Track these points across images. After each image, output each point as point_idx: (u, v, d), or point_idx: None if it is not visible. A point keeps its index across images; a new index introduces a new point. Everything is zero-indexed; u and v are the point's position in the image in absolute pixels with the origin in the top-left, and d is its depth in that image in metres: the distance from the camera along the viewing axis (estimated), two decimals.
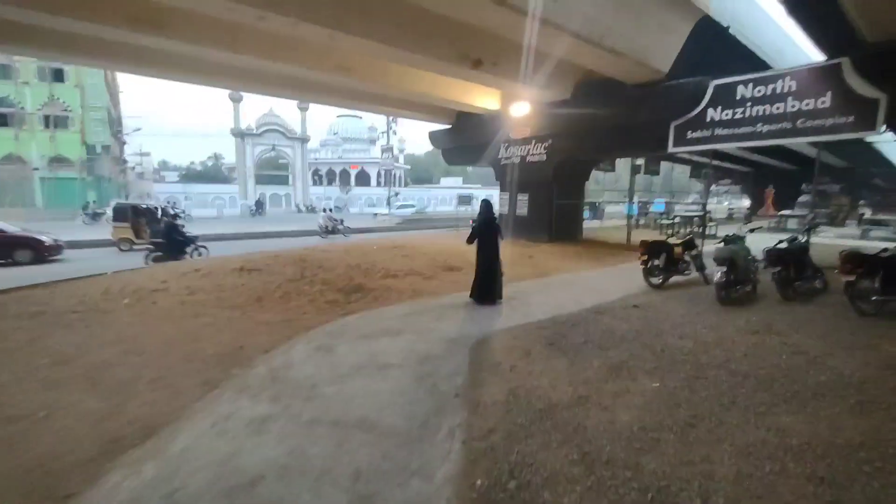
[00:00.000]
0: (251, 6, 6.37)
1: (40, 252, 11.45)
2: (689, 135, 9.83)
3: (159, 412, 3.07)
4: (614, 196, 32.04)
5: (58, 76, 26.49)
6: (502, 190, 15.27)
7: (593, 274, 8.49)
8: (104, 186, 28.50)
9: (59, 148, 26.75)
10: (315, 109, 38.90)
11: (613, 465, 2.42)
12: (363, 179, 49.16)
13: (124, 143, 37.12)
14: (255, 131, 36.94)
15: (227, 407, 3.11)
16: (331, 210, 22.30)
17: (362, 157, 50.17)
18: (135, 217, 14.05)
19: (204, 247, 11.79)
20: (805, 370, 3.63)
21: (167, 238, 11.15)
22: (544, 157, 13.14)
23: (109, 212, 16.43)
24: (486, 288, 6.08)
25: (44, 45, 8.46)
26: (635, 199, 28.53)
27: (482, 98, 12.72)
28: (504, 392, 3.33)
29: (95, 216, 22.88)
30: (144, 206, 14.80)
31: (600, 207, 27.00)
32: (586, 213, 26.39)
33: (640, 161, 16.34)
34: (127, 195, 32.01)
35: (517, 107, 12.18)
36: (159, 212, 14.44)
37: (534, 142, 13.41)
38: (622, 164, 21.89)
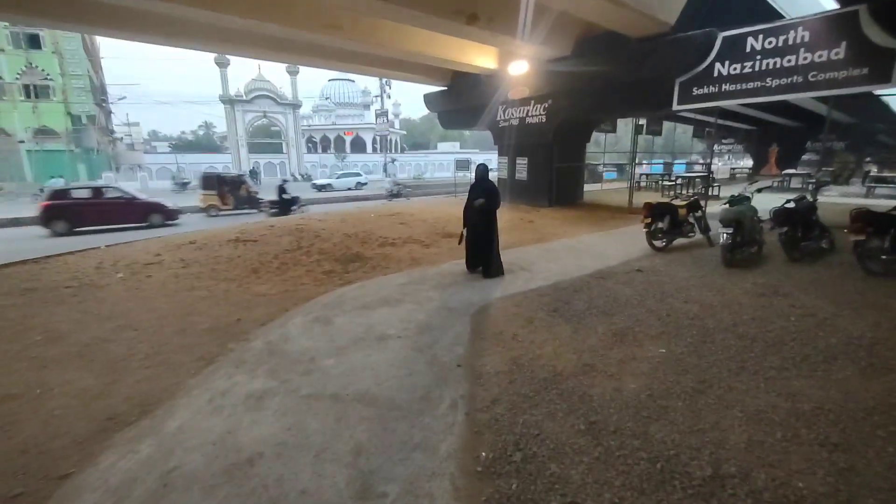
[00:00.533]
0: None
1: (167, 216, 13.25)
2: (695, 91, 9.43)
3: (155, 389, 3.00)
4: (614, 158, 31.50)
5: (33, 42, 25.25)
6: (500, 154, 14.89)
7: (595, 238, 8.35)
8: (93, 158, 27.82)
9: (43, 119, 25.86)
10: (305, 73, 37.51)
11: (621, 434, 2.36)
12: (359, 146, 48.11)
13: (110, 112, 35.96)
14: (244, 97, 35.74)
15: (224, 382, 3.03)
16: (394, 176, 24.54)
17: (357, 123, 48.91)
18: (220, 185, 15.28)
19: (305, 205, 14.62)
20: (814, 332, 3.55)
21: (280, 198, 13.66)
22: (544, 119, 12.70)
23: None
24: (486, 262, 5.67)
25: (6, 6, 7.91)
26: (656, 161, 28.27)
27: (478, 56, 12.14)
28: (507, 361, 3.26)
29: (183, 185, 27.04)
30: (228, 175, 16.25)
31: (628, 169, 26.68)
32: (613, 175, 26.03)
33: (643, 121, 15.88)
34: (117, 167, 31.32)
35: (515, 65, 11.64)
36: (239, 179, 16.06)
37: (533, 102, 12.92)
38: (623, 125, 21.30)
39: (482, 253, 5.65)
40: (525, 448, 2.27)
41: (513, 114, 13.73)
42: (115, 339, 3.86)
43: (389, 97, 32.79)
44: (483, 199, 5.49)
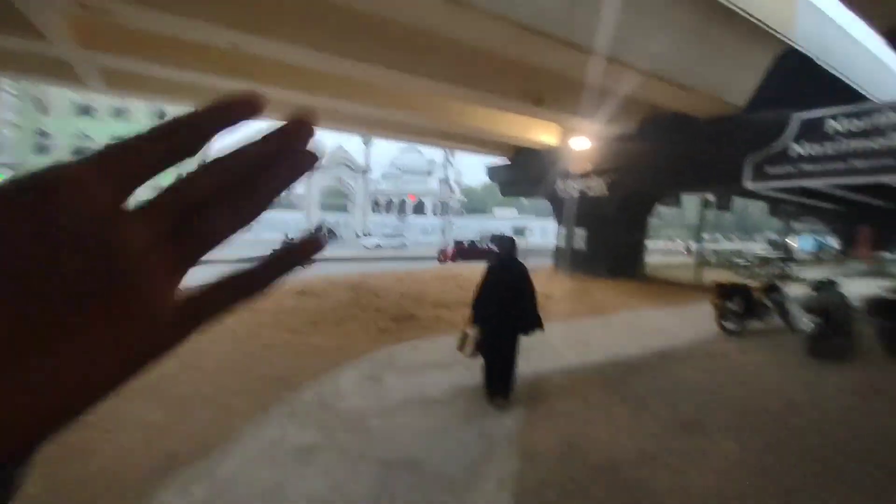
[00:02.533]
0: (336, 55, 6.91)
1: None
2: (769, 170, 9.09)
3: (212, 431, 3.14)
4: (676, 233, 30.33)
5: (162, 117, 30.21)
6: (559, 222, 14.94)
7: (658, 314, 7.89)
8: None
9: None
10: (380, 142, 41.31)
11: None
12: (419, 209, 50.54)
13: None
14: (324, 164, 39.52)
15: (276, 432, 3.12)
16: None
17: (419, 188, 51.76)
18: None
19: None
20: None
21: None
22: (605, 192, 12.73)
23: None
24: (504, 377, 3.78)
25: (149, 90, 9.69)
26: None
27: (541, 133, 12.71)
28: (558, 441, 3.07)
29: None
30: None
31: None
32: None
33: (711, 196, 15.40)
34: None
35: (577, 141, 12.02)
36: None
37: (595, 176, 13.07)
38: (688, 199, 20.71)
39: (507, 365, 3.76)
40: None
41: (573, 186, 13.92)
42: (181, 378, 4.14)
43: (452, 166, 34.73)
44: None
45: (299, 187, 41.14)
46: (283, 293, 8.52)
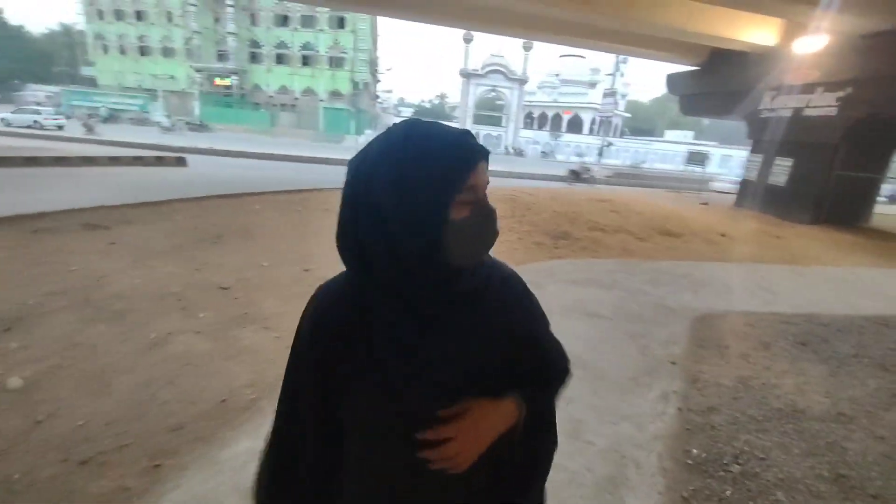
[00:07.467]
0: None
1: None
2: None
3: None
4: None
5: (340, 23, 32.57)
6: (755, 150, 12.44)
7: (879, 273, 6.39)
8: (361, 117, 34.84)
9: (336, 84, 33.57)
10: (539, 48, 38.04)
11: (883, 501, 1.96)
12: (575, 126, 46.73)
13: (378, 81, 43.97)
14: (479, 72, 38.57)
15: None
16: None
17: (578, 102, 47.33)
18: None
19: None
20: None
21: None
22: (833, 112, 9.95)
23: None
24: None
25: None
26: None
27: (752, 30, 10.19)
28: (731, 377, 2.98)
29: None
30: None
31: None
32: None
33: None
34: (375, 126, 38.45)
35: (805, 41, 9.35)
36: None
37: (821, 90, 10.22)
38: None
39: None
40: (746, 465, 2.13)
41: (785, 102, 11.19)
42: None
43: (623, 75, 30.40)
44: None
45: (456, 97, 41.30)
46: None
